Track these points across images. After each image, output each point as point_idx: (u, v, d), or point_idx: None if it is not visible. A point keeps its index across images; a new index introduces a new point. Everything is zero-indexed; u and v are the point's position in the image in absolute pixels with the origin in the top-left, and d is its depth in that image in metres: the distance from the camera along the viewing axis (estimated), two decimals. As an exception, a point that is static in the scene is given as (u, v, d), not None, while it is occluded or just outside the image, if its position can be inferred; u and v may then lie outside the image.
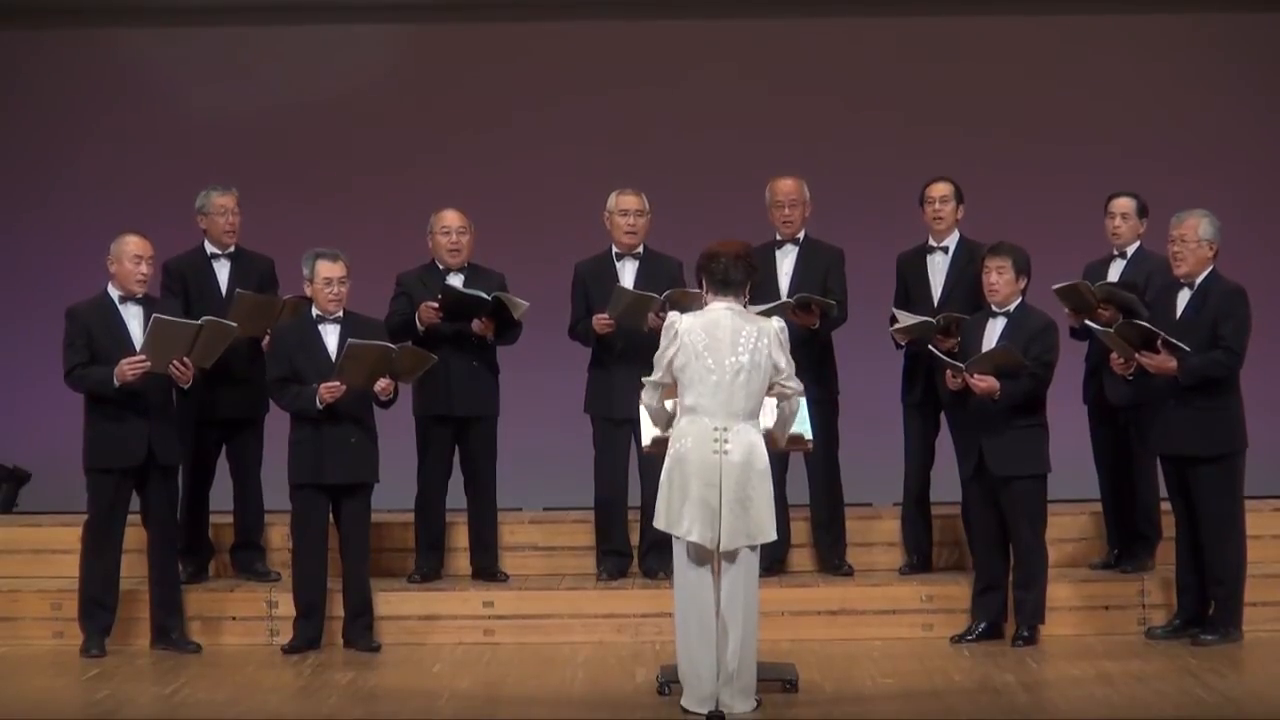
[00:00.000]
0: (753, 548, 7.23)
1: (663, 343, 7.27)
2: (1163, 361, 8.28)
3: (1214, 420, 8.33)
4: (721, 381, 7.16)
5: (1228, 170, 11.40)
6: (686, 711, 7.23)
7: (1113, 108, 11.63)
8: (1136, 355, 8.34)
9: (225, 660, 8.56)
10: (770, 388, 7.26)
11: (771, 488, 7.26)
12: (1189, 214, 8.42)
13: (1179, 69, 11.71)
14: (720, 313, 7.24)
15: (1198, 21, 11.74)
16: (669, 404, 7.31)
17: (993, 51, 11.74)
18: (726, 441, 7.14)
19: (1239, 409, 8.40)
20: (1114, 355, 8.54)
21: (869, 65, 11.72)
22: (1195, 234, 8.37)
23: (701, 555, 7.22)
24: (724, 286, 7.28)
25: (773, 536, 7.28)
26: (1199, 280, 8.40)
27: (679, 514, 7.18)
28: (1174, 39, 11.75)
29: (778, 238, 9.25)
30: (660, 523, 7.25)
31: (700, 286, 7.37)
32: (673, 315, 7.33)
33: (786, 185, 9.23)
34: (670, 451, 7.24)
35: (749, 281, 7.35)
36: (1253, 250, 10.38)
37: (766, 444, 7.27)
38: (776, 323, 7.31)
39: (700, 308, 7.35)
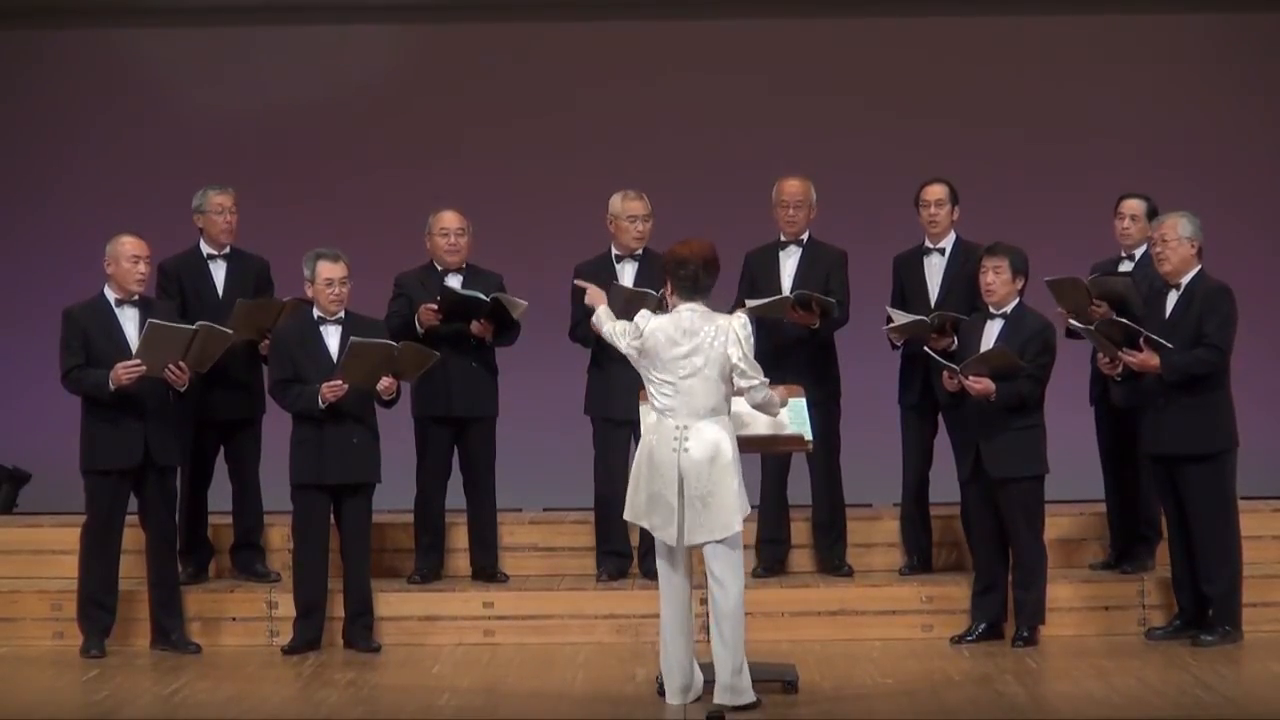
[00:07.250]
0: (728, 544, 7.23)
1: (632, 323, 7.34)
2: (1146, 359, 8.30)
3: (1201, 419, 8.33)
4: (680, 382, 7.24)
5: (1228, 171, 11.40)
6: (669, 704, 7.29)
7: (1114, 108, 11.63)
8: (1119, 353, 8.36)
9: (225, 660, 8.56)
10: (738, 392, 7.30)
11: (736, 481, 7.25)
12: (1169, 214, 8.49)
13: (1179, 69, 11.71)
14: (684, 315, 7.30)
15: (1199, 21, 11.74)
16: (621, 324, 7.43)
17: (994, 51, 11.74)
18: (686, 440, 7.22)
19: (1228, 407, 8.40)
20: (1100, 355, 8.56)
21: (870, 65, 11.71)
22: (1175, 233, 8.41)
23: (673, 550, 7.31)
24: (693, 292, 7.33)
25: (737, 529, 7.26)
26: (1185, 281, 8.43)
27: (643, 508, 7.32)
28: (1176, 39, 11.75)
29: (781, 238, 9.25)
30: (628, 514, 7.41)
31: (666, 287, 7.39)
32: (643, 313, 7.39)
33: (792, 185, 9.22)
34: (641, 446, 7.38)
35: (714, 283, 7.40)
36: (1254, 250, 10.38)
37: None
38: (738, 319, 7.35)
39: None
